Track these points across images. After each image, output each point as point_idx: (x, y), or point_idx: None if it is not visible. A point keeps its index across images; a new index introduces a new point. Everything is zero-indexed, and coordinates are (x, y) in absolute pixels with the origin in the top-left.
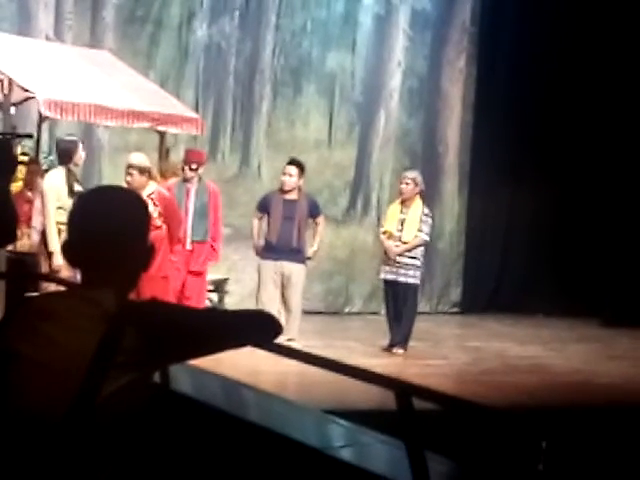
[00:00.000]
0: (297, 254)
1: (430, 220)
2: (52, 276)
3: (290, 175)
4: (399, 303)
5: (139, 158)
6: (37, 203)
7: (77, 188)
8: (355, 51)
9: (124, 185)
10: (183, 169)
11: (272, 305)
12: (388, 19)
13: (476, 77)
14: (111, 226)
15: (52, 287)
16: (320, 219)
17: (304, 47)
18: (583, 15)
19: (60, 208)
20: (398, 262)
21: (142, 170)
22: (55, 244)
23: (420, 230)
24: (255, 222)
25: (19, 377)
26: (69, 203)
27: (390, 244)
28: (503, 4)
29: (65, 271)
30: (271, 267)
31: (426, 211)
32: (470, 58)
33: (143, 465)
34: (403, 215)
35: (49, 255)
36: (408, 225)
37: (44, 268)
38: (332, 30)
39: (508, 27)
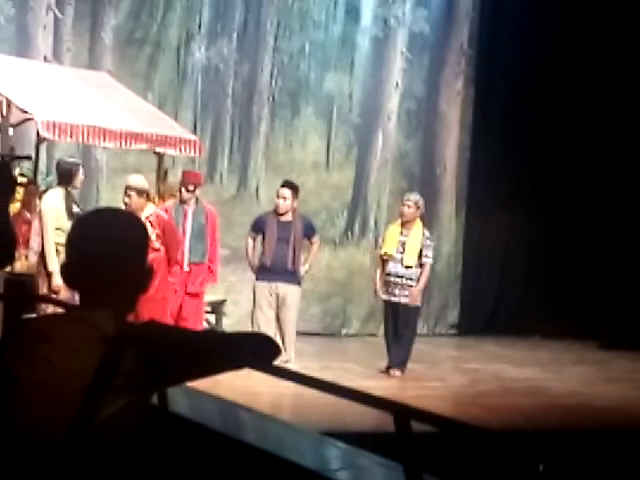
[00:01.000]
0: (292, 275)
1: (433, 244)
2: (50, 298)
3: (284, 198)
4: (399, 324)
5: (137, 180)
6: (35, 224)
7: (75, 210)
8: (353, 73)
9: (122, 207)
10: (180, 191)
11: (268, 326)
12: (386, 41)
13: (474, 99)
14: (110, 248)
15: (50, 309)
16: (315, 239)
17: (302, 69)
18: (580, 37)
19: (58, 229)
20: (400, 284)
21: (140, 192)
22: (54, 264)
23: (426, 256)
24: (250, 242)
25: (17, 399)
26: (67, 224)
27: (379, 286)
28: (500, 27)
29: (64, 292)
30: (266, 288)
31: (427, 234)
32: (468, 80)
33: None
34: (404, 237)
35: (48, 275)
36: (409, 248)
37: (42, 289)
38: (330, 52)
39: (505, 49)
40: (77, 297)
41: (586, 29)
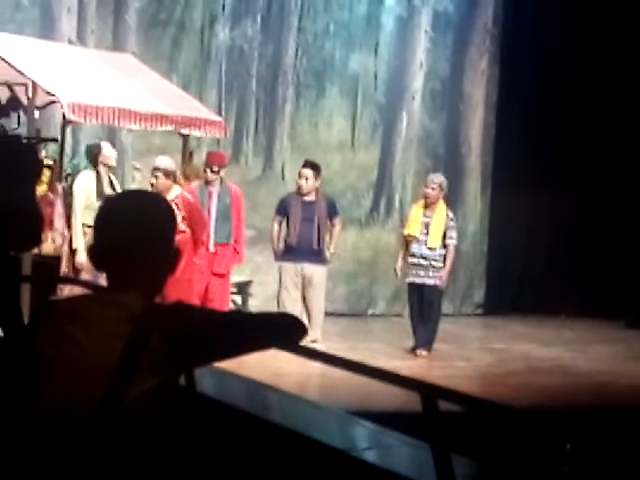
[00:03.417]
0: (317, 255)
1: (455, 224)
2: (77, 279)
3: (306, 178)
4: (424, 305)
5: (165, 161)
6: (58, 206)
7: (108, 191)
8: (377, 53)
9: (148, 188)
10: (205, 172)
11: (294, 307)
12: (410, 21)
13: (498, 78)
14: (138, 231)
15: (67, 289)
16: (337, 220)
17: (326, 49)
18: (606, 15)
19: (87, 208)
20: (424, 265)
21: (167, 173)
22: (80, 241)
23: (450, 237)
24: (275, 227)
25: (46, 381)
26: (97, 205)
27: (401, 266)
28: (525, 5)
29: (86, 270)
30: (292, 269)
31: (451, 215)
32: (492, 59)
33: (169, 467)
34: (427, 219)
35: (72, 253)
36: (434, 230)
37: (67, 270)
38: (354, 32)
39: (530, 28)
40: (100, 278)
41: (613, 6)
